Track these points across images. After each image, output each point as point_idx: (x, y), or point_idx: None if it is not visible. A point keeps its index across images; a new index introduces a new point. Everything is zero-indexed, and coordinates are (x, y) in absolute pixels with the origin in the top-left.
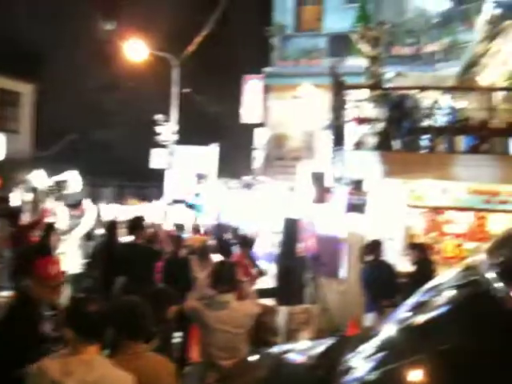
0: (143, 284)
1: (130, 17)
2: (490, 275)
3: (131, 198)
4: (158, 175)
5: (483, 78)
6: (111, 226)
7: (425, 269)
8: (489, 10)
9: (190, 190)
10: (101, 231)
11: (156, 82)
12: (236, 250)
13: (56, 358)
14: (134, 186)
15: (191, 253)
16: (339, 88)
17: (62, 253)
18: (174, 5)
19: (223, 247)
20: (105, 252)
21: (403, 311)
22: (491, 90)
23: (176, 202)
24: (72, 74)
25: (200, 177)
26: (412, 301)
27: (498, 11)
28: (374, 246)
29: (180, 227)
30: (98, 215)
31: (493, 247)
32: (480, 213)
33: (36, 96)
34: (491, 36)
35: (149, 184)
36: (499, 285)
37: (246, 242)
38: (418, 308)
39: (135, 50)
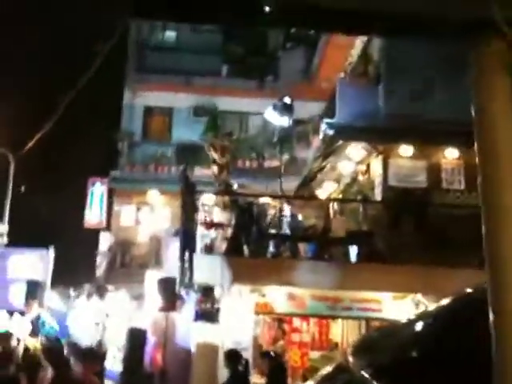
0: None
1: None
2: (367, 377)
3: None
4: None
5: (320, 192)
6: None
7: (278, 378)
8: (323, 130)
9: (20, 298)
10: None
11: None
12: (77, 366)
13: None
14: None
15: (20, 369)
16: (189, 191)
17: None
18: (20, 100)
19: (60, 363)
20: None
21: None
22: (329, 200)
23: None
24: None
25: (33, 284)
26: None
27: (331, 132)
28: (233, 357)
29: (5, 338)
30: None
31: (363, 346)
32: (323, 321)
33: None
34: (325, 154)
35: None
36: None
37: (92, 357)
38: None
39: None
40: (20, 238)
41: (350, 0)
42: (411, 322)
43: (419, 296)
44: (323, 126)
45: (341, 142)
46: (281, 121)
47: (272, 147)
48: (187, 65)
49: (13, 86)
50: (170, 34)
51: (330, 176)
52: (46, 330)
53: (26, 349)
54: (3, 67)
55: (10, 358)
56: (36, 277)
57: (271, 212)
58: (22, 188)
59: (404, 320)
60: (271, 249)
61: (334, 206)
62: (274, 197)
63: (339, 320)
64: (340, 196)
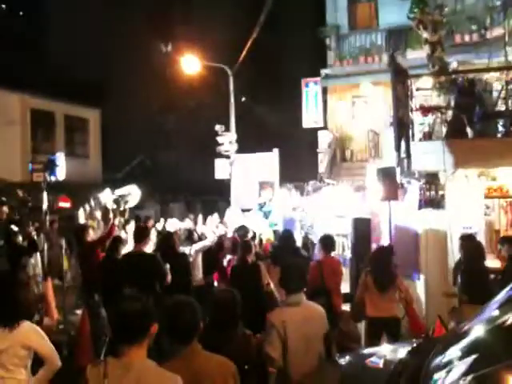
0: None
1: (183, 33)
2: None
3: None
4: (224, 186)
5: None
6: (167, 238)
7: None
8: None
9: (254, 198)
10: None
11: (214, 94)
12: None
13: (101, 362)
14: (202, 199)
15: (260, 259)
16: (401, 77)
17: None
18: (225, 14)
19: (295, 251)
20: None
21: (495, 308)
22: None
23: (242, 210)
24: (134, 97)
25: (264, 184)
26: (502, 296)
27: None
28: (466, 241)
29: (243, 231)
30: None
31: None
32: None
33: (102, 121)
34: None
35: (216, 197)
36: None
37: (330, 244)
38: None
39: (190, 65)
40: (247, 144)
41: None
42: None
43: None
44: None
45: None
46: None
47: (495, 14)
48: None
49: (221, 5)
50: None
51: None
52: (273, 223)
53: (261, 240)
54: None
55: (249, 249)
56: (265, 177)
57: (498, 87)
58: (243, 98)
59: None
60: (500, 128)
61: None
62: (498, 69)
63: None
64: None
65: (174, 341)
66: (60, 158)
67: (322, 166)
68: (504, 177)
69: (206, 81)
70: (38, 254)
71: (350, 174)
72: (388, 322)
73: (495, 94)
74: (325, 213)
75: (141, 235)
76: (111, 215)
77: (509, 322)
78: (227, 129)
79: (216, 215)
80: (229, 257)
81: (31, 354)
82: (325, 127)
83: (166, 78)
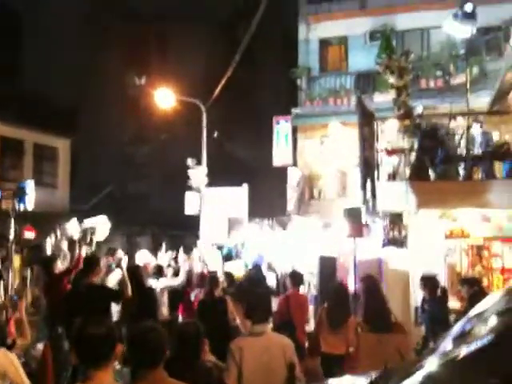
0: None
1: (158, 67)
2: None
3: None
4: (193, 220)
5: None
6: (133, 271)
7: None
8: None
9: (222, 233)
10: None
11: (187, 129)
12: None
13: None
14: (169, 233)
15: (226, 293)
16: (367, 119)
17: None
18: (201, 51)
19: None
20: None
21: (447, 342)
22: None
23: (210, 245)
24: (106, 128)
25: (233, 224)
26: (456, 330)
27: None
28: (430, 282)
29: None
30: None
31: None
32: None
33: (72, 151)
34: None
35: (183, 231)
36: None
37: (298, 280)
38: (465, 337)
39: (164, 99)
40: (218, 179)
41: None
42: None
43: None
44: None
45: None
46: (463, 31)
47: (459, 62)
48: None
49: (197, 42)
50: None
51: None
52: (244, 260)
53: (230, 275)
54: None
55: (216, 284)
56: (234, 212)
57: (459, 132)
58: (215, 134)
59: None
60: (461, 171)
61: None
62: (459, 115)
63: None
64: None
65: (139, 366)
66: (30, 186)
67: (291, 203)
68: (464, 219)
69: (179, 114)
70: (2, 282)
71: (317, 211)
72: (339, 359)
73: (457, 138)
74: (292, 250)
75: (89, 265)
76: (77, 246)
77: (461, 356)
78: (199, 162)
79: (181, 250)
80: (196, 291)
81: (6, 381)
82: (294, 164)
83: (139, 110)
